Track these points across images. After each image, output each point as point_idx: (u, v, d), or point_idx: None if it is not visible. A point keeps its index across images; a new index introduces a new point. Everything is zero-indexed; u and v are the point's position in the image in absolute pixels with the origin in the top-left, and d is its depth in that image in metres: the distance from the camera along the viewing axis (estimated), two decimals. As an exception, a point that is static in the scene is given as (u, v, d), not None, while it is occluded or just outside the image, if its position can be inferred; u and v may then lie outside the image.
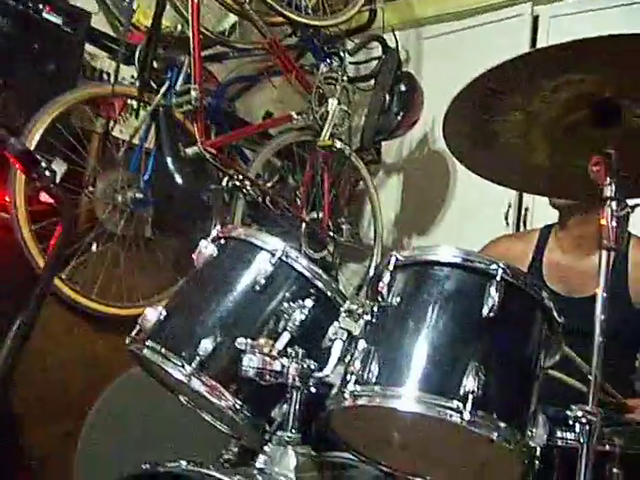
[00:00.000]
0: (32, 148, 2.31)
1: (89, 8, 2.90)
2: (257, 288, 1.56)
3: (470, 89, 1.42)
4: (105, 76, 3.00)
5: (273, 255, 1.57)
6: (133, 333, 1.65)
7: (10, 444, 2.40)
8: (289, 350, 1.49)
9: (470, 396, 1.27)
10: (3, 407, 2.32)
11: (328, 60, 3.30)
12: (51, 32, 2.62)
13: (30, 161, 1.48)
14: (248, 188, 2.77)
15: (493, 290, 1.36)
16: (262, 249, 1.60)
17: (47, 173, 1.43)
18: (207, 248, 1.66)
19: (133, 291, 2.77)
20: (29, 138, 2.42)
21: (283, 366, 1.45)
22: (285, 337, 1.50)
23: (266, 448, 1.49)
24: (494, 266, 1.39)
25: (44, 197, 2.43)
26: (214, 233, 1.69)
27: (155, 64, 2.74)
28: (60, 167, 2.43)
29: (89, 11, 2.83)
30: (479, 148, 1.61)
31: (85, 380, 2.66)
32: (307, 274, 1.59)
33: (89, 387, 2.60)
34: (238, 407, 1.50)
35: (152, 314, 1.63)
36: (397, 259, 1.48)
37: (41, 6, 2.60)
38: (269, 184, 3.17)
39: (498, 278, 1.37)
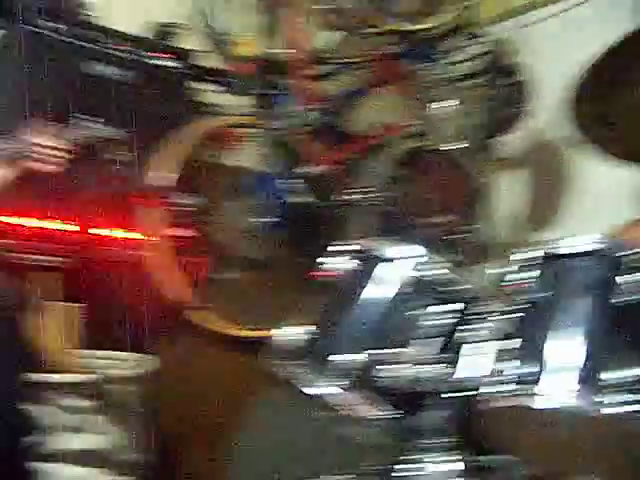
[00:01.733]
0: (161, 186, 2.42)
1: (195, 47, 3.03)
2: (399, 298, 1.56)
3: (597, 66, 1.39)
4: (218, 109, 3.10)
5: (411, 264, 1.58)
6: (276, 353, 1.68)
7: (162, 465, 2.48)
8: (438, 356, 1.48)
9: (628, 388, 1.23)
10: (156, 430, 2.42)
11: (431, 63, 3.28)
12: (164, 75, 2.75)
13: (167, 198, 1.56)
14: (373, 200, 2.78)
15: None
16: (399, 259, 1.61)
17: (183, 208, 1.49)
18: (344, 263, 1.67)
19: (269, 313, 2.82)
20: (161, 177, 2.52)
21: (434, 373, 1.45)
22: (432, 343, 1.49)
23: (419, 457, 1.49)
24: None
25: (179, 232, 2.54)
26: (348, 248, 1.70)
27: (264, 91, 2.81)
28: (189, 201, 2.51)
29: (195, 50, 2.95)
30: (607, 128, 1.56)
31: (229, 402, 2.72)
32: (446, 280, 1.59)
33: (233, 409, 2.66)
34: (387, 418, 1.50)
35: (294, 332, 1.67)
36: (542, 253, 1.44)
37: (153, 53, 2.74)
38: (392, 193, 3.17)
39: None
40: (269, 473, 2.40)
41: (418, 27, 3.15)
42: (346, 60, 3.24)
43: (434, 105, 3.09)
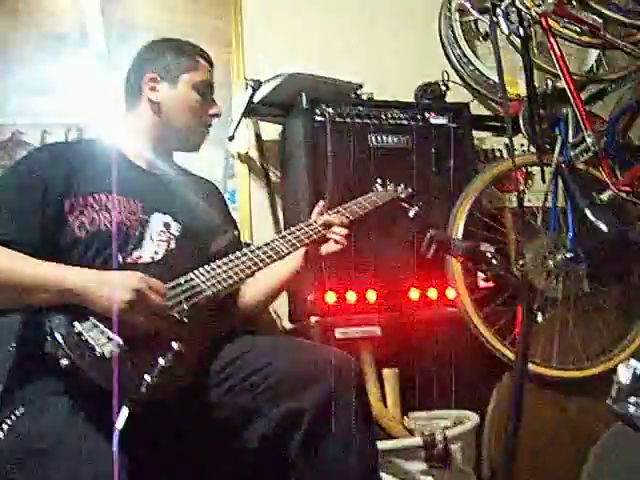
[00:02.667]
0: (459, 239, 2.46)
1: (464, 99, 3.08)
2: None
3: None
4: (497, 153, 3.11)
5: None
6: (612, 392, 1.62)
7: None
8: None
9: None
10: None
11: None
12: (440, 132, 2.82)
13: (472, 251, 1.58)
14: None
15: None
16: None
17: (493, 261, 1.50)
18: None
19: (591, 350, 2.73)
20: (454, 230, 2.59)
21: None
22: None
23: None
24: None
25: (482, 283, 2.55)
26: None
27: (542, 125, 2.77)
28: (488, 250, 2.52)
29: (466, 102, 3.00)
30: None
31: (566, 449, 2.64)
32: None
33: (570, 455, 2.58)
34: None
35: (626, 368, 1.60)
36: None
37: (427, 114, 2.82)
38: None
39: None
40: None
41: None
42: (614, 75, 3.12)
43: None
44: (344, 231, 1.87)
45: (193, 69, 1.95)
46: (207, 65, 1.99)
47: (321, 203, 1.94)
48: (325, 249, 1.89)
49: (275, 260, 1.75)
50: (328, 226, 1.87)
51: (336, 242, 1.88)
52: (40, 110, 2.87)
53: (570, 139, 2.74)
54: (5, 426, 1.47)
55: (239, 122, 2.92)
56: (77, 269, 1.53)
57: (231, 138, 2.95)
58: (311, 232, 1.84)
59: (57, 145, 2.07)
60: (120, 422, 1.37)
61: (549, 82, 2.89)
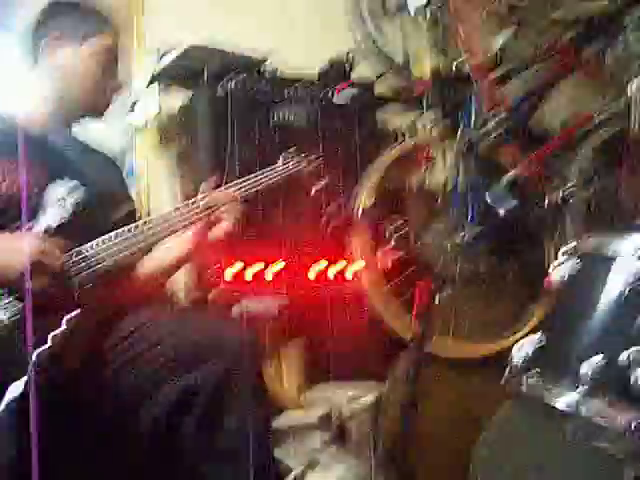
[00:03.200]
0: (364, 213, 2.48)
1: (370, 78, 3.07)
2: (626, 296, 1.49)
3: None
4: (401, 133, 3.11)
5: (635, 259, 1.49)
6: (507, 368, 1.64)
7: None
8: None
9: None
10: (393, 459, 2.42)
11: (614, 42, 3.12)
12: (344, 110, 2.80)
13: (372, 224, 1.58)
14: (574, 199, 2.68)
15: None
16: (620, 256, 1.53)
17: (395, 238, 1.50)
18: (565, 267, 1.62)
19: (488, 328, 2.79)
20: (358, 207, 2.57)
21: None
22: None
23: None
24: None
25: (388, 257, 2.57)
26: (568, 250, 1.65)
27: (446, 106, 2.79)
28: (390, 227, 2.55)
29: (371, 80, 2.98)
30: None
31: (462, 424, 2.69)
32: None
33: (468, 425, 2.63)
34: (635, 427, 1.42)
35: (522, 346, 1.63)
36: None
37: (331, 92, 2.80)
38: (593, 189, 3.04)
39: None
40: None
41: (594, 9, 3.02)
42: (525, 57, 3.16)
43: (632, 85, 2.92)
44: (235, 207, 1.81)
45: (97, 36, 1.86)
46: (112, 33, 1.91)
47: (213, 178, 1.89)
48: (213, 233, 1.82)
49: (170, 234, 1.72)
50: (215, 204, 1.80)
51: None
52: None
53: (474, 121, 2.77)
54: None
55: (141, 92, 2.84)
56: None
57: (132, 109, 2.86)
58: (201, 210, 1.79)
59: None
60: (13, 390, 1.33)
61: (456, 63, 2.92)
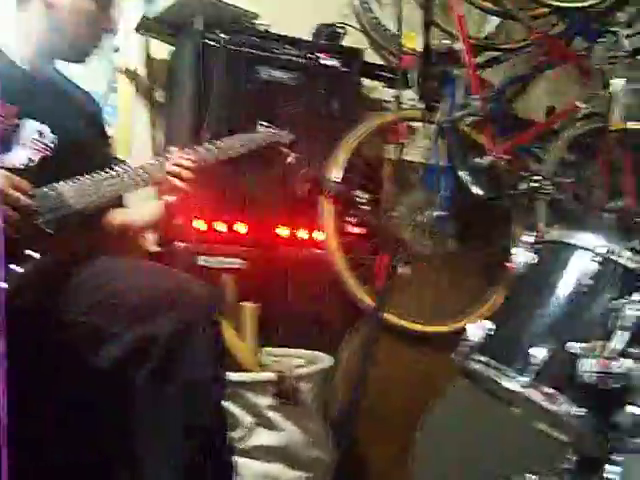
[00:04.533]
0: (334, 183, 2.48)
1: (359, 45, 3.07)
2: (583, 289, 1.52)
3: None
4: (385, 105, 3.12)
5: (595, 253, 1.53)
6: (458, 348, 1.67)
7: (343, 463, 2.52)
8: (630, 350, 1.43)
9: None
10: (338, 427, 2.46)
11: (602, 38, 3.13)
12: (331, 75, 2.79)
13: (340, 194, 1.60)
14: (547, 188, 2.71)
15: None
16: (582, 248, 1.56)
17: (357, 204, 1.52)
18: (523, 255, 1.65)
19: (446, 307, 2.82)
20: (332, 173, 2.58)
21: (628, 368, 1.40)
22: (623, 336, 1.44)
23: (615, 457, 1.44)
24: None
25: (351, 229, 2.59)
26: (528, 239, 1.67)
27: (432, 83, 2.80)
28: (361, 196, 2.56)
29: (360, 48, 2.98)
30: None
31: (412, 398, 2.73)
32: (633, 267, 1.52)
33: (416, 404, 2.67)
34: (578, 413, 1.46)
35: (476, 328, 1.66)
36: None
37: (318, 55, 2.78)
38: (567, 180, 3.07)
39: None
40: (456, 473, 2.39)
41: (584, 4, 3.03)
42: (510, 46, 3.17)
43: (614, 82, 2.94)
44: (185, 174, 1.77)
45: None
46: None
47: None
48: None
49: (145, 185, 1.72)
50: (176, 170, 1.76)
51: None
52: None
53: (457, 100, 2.78)
54: None
55: (129, 36, 2.81)
56: None
57: (117, 50, 2.84)
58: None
59: None
60: None
61: (446, 42, 2.92)
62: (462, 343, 1.67)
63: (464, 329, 1.69)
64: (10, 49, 1.80)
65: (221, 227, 2.52)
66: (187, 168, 1.75)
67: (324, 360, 2.45)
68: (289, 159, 2.07)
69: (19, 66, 1.80)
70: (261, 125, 2.08)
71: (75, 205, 1.59)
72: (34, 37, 1.82)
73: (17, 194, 1.48)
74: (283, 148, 2.07)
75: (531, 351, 1.49)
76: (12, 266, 1.44)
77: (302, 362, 2.44)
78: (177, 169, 1.75)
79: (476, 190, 2.61)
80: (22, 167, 1.66)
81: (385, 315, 2.63)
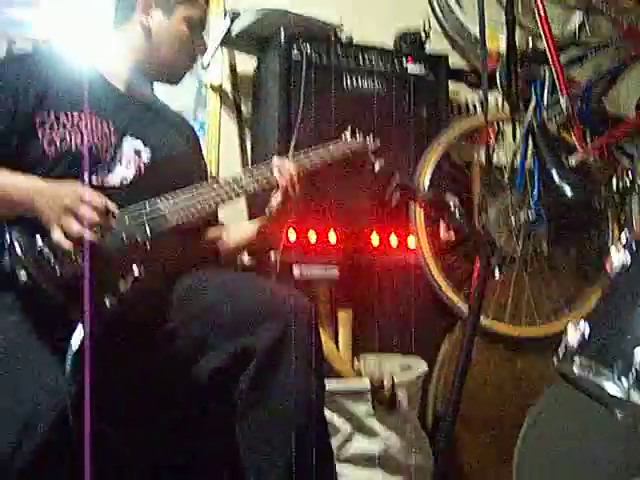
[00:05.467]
0: (425, 188, 2.48)
1: (443, 49, 3.06)
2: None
3: None
4: (472, 108, 3.10)
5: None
6: (559, 351, 1.64)
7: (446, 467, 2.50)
8: None
9: None
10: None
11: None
12: (416, 81, 2.79)
13: (436, 201, 1.59)
14: None
15: None
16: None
17: (456, 213, 1.51)
18: (619, 254, 1.61)
19: (543, 309, 2.79)
20: (421, 179, 2.60)
21: None
22: None
23: None
24: None
25: (443, 233, 2.57)
26: (624, 238, 1.63)
27: (518, 84, 2.77)
28: (452, 201, 2.54)
29: (445, 53, 2.97)
30: None
31: (506, 402, 2.70)
32: None
33: (511, 408, 2.64)
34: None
35: (575, 329, 1.62)
36: None
37: (405, 62, 2.79)
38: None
39: None
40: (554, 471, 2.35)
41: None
42: (596, 42, 3.11)
43: None
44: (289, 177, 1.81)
45: (189, 2, 1.89)
46: (203, 0, 1.94)
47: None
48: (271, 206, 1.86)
49: (239, 196, 1.75)
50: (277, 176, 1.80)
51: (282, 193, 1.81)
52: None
53: (545, 100, 2.74)
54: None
55: (215, 51, 2.87)
56: (28, 178, 1.54)
57: (205, 66, 2.90)
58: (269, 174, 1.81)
59: (30, 56, 1.95)
60: (75, 342, 1.37)
61: (530, 41, 2.88)
62: (562, 345, 1.64)
63: (562, 331, 1.66)
64: (107, 69, 1.86)
65: (313, 236, 2.54)
66: (292, 176, 1.79)
67: (419, 366, 2.45)
68: (377, 166, 2.08)
69: (115, 86, 1.85)
70: (348, 134, 2.09)
71: (173, 220, 1.62)
72: (132, 59, 1.88)
73: (83, 210, 1.45)
74: (371, 156, 2.08)
75: (632, 352, 1.45)
76: (120, 283, 1.49)
77: (398, 369, 2.44)
78: (286, 178, 1.79)
79: (567, 189, 2.56)
80: (120, 185, 1.71)
81: (482, 319, 2.60)
